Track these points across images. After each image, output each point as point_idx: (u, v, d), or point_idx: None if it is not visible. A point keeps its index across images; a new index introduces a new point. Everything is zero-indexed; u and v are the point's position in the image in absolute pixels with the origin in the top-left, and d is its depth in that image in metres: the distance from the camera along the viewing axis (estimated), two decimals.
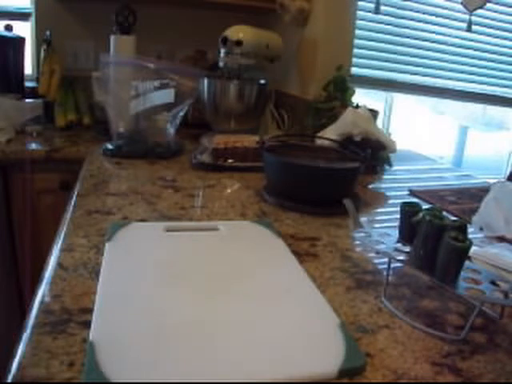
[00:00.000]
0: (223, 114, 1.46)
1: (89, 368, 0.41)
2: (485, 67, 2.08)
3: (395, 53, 1.88)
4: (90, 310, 0.50)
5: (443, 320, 0.56)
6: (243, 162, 1.14)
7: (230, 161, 1.14)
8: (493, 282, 0.54)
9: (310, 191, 0.90)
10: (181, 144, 1.28)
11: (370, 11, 1.66)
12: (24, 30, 1.67)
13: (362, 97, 1.53)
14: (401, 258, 0.59)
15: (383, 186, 1.20)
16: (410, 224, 0.60)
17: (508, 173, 2.16)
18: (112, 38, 1.40)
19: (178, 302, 0.53)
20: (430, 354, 0.49)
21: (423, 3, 1.86)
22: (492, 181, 1.03)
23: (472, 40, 1.99)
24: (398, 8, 1.82)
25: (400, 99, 2.19)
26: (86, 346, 0.44)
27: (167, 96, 1.19)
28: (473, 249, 0.54)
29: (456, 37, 1.96)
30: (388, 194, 1.12)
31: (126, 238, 0.68)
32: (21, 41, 1.56)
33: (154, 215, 0.80)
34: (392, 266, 0.62)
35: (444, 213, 0.59)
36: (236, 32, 1.38)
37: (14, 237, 1.31)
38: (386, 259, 0.62)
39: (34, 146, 1.32)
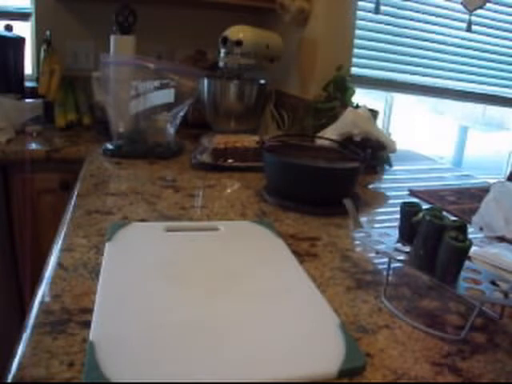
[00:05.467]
0: (223, 114, 1.46)
1: (89, 368, 0.41)
2: (485, 67, 2.08)
3: (395, 53, 1.88)
4: (90, 310, 0.50)
5: (443, 320, 0.56)
6: (243, 162, 1.14)
7: (229, 161, 1.14)
8: (493, 282, 0.54)
9: (310, 191, 0.90)
10: (181, 144, 1.28)
11: (370, 11, 1.66)
12: (24, 29, 1.67)
13: (362, 97, 1.53)
14: (401, 257, 0.59)
15: (383, 185, 1.20)
16: (410, 224, 0.60)
17: (508, 173, 2.16)
18: (112, 38, 1.40)
19: (177, 302, 0.53)
20: (430, 354, 0.49)
21: (423, 3, 1.86)
22: (492, 181, 1.03)
23: (472, 40, 1.99)
24: (398, 8, 1.82)
25: (400, 99, 2.19)
26: (86, 346, 0.44)
27: (167, 96, 1.19)
28: (473, 249, 0.54)
29: (456, 37, 1.96)
30: (388, 193, 1.12)
31: (126, 238, 0.68)
32: (21, 41, 1.56)
33: (154, 215, 0.80)
34: (392, 265, 0.62)
35: (444, 213, 0.59)
36: (236, 32, 1.38)
37: (14, 237, 1.31)
38: (386, 259, 0.62)
39: (34, 146, 1.32)
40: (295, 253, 0.69)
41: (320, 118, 1.34)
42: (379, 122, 1.49)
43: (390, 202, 1.07)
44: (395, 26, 1.84)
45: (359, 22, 1.66)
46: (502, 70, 2.12)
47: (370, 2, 1.65)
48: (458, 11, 1.87)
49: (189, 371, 0.42)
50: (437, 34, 1.93)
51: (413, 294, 0.62)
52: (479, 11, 1.72)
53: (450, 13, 1.91)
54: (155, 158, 1.17)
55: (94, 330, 0.46)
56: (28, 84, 1.59)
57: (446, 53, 1.98)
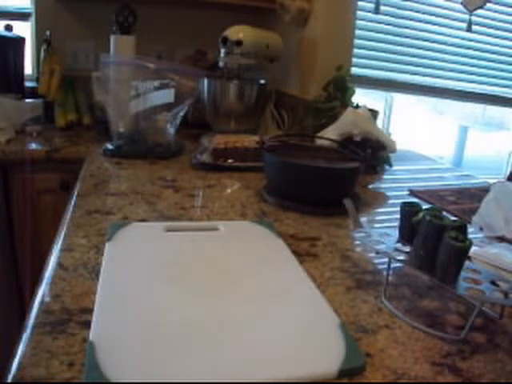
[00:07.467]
0: (223, 114, 1.46)
1: (89, 368, 0.41)
2: (485, 67, 2.08)
3: (395, 53, 1.88)
4: (90, 310, 0.50)
5: (443, 320, 0.56)
6: (243, 162, 1.14)
7: (229, 161, 1.14)
8: (493, 282, 0.54)
9: (310, 191, 0.90)
10: (181, 144, 1.28)
11: (370, 11, 1.66)
12: (24, 29, 1.67)
13: (362, 97, 1.53)
14: (401, 257, 0.59)
15: (383, 185, 1.20)
16: (410, 224, 0.60)
17: (508, 173, 2.16)
18: (112, 38, 1.40)
19: (178, 302, 0.53)
20: (430, 354, 0.49)
21: (423, 3, 1.85)
22: (492, 181, 1.03)
23: (472, 40, 1.99)
24: (398, 8, 1.82)
25: (400, 99, 2.19)
26: (86, 346, 0.44)
27: (167, 96, 1.19)
28: (473, 249, 0.54)
29: (456, 37, 1.96)
30: (388, 193, 1.12)
31: (126, 238, 0.68)
32: (21, 41, 1.56)
33: (154, 215, 0.80)
34: (392, 265, 0.62)
35: (444, 213, 0.59)
36: (236, 32, 1.38)
37: (13, 237, 1.31)
38: (386, 259, 0.62)
39: (34, 146, 1.32)
40: (295, 253, 0.69)
41: (320, 118, 1.34)
42: (379, 122, 1.49)
43: (390, 202, 1.07)
44: (395, 26, 1.84)
45: (359, 22, 1.66)
46: (502, 70, 2.12)
47: (369, 2, 1.65)
48: (458, 11, 1.87)
49: (189, 371, 0.42)
50: (437, 34, 1.93)
51: (413, 294, 0.62)
52: (479, 11, 1.72)
53: (449, 13, 1.91)
54: (155, 158, 1.17)
55: (94, 330, 0.46)
56: (28, 84, 1.59)
57: (446, 53, 1.98)
